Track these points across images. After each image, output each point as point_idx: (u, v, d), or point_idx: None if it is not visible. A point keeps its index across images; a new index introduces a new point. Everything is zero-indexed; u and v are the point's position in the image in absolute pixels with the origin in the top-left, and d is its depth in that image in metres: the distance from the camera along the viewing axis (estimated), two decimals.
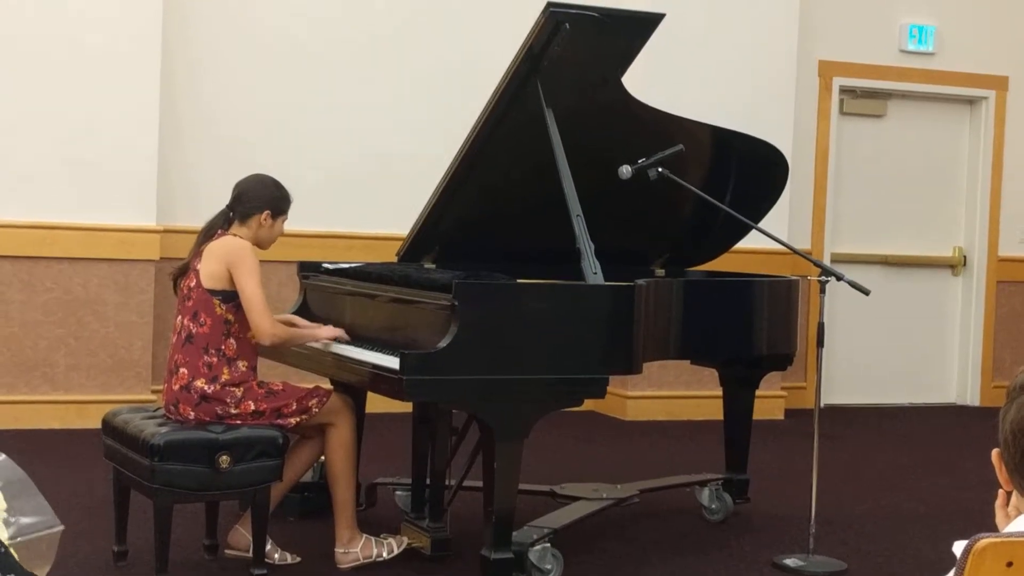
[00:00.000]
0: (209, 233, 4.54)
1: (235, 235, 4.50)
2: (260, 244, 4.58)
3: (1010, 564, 1.71)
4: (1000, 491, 1.99)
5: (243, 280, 4.36)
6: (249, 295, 4.36)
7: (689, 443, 7.27)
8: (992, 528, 1.91)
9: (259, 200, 4.54)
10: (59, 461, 6.17)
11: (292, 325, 4.74)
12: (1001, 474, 1.92)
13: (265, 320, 4.37)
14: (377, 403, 5.07)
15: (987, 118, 9.34)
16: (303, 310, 5.16)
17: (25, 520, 2.48)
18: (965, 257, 9.45)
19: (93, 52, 7.05)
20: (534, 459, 5.29)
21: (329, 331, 4.64)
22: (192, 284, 4.44)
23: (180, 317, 4.47)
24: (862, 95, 9.11)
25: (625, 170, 4.82)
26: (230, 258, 4.39)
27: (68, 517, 5.03)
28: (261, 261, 4.48)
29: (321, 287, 5.14)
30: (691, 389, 8.03)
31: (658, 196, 5.16)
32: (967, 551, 1.71)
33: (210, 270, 4.41)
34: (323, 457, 4.66)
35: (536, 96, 4.66)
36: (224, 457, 4.20)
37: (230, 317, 4.41)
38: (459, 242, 5.18)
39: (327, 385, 4.79)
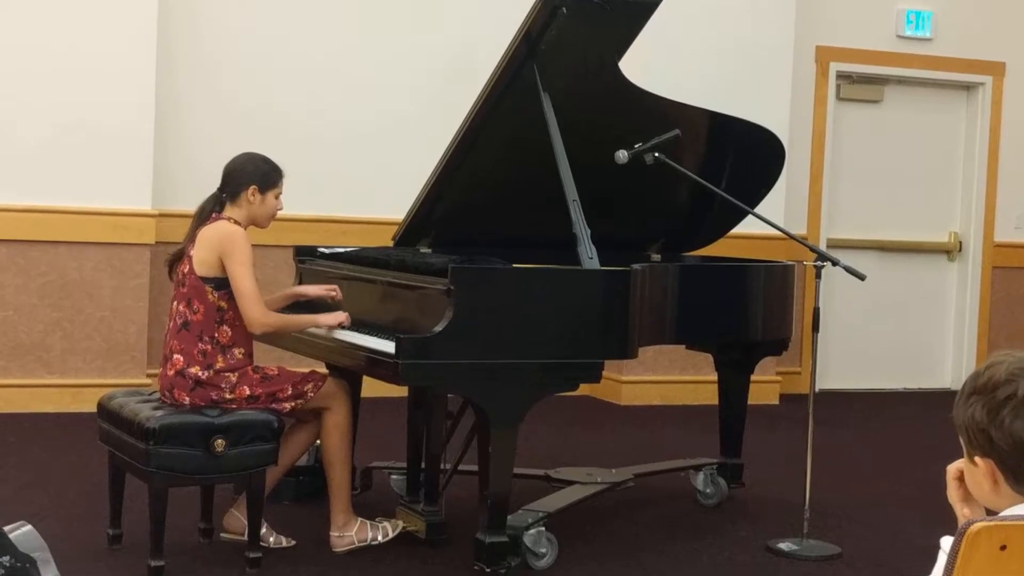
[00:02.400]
0: (202, 217, 4.51)
1: (229, 217, 4.47)
2: (257, 222, 4.55)
3: (1003, 547, 1.72)
4: (954, 489, 1.98)
5: (234, 269, 4.34)
6: (240, 284, 4.33)
7: (684, 428, 7.27)
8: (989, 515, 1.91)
9: (245, 176, 4.50)
10: (54, 445, 6.17)
11: (296, 295, 4.73)
12: (989, 480, 1.88)
13: (256, 309, 4.34)
14: (373, 387, 5.07)
15: (984, 104, 9.33)
16: None
17: None
18: (961, 243, 9.45)
19: (88, 38, 7.03)
20: (529, 443, 5.29)
21: (331, 317, 4.58)
22: (186, 270, 4.43)
23: (175, 303, 4.46)
24: (859, 81, 9.10)
25: (622, 155, 4.82)
26: (222, 246, 4.36)
27: (63, 501, 5.06)
28: (257, 245, 4.46)
29: (317, 271, 5.14)
30: (686, 374, 8.03)
31: (654, 181, 5.15)
32: (961, 534, 1.71)
33: (202, 257, 4.39)
34: (319, 441, 4.66)
35: (533, 80, 4.65)
36: (219, 441, 4.20)
37: (223, 304, 4.39)
38: (455, 227, 5.17)
39: (323, 369, 4.79)
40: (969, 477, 1.92)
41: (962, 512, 1.96)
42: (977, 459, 1.87)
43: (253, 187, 4.49)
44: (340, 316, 4.56)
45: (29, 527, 2.56)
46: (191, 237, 4.47)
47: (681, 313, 4.88)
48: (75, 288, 7.09)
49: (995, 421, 1.83)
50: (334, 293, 4.70)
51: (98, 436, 4.58)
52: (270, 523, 4.55)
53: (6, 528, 2.50)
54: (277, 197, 4.57)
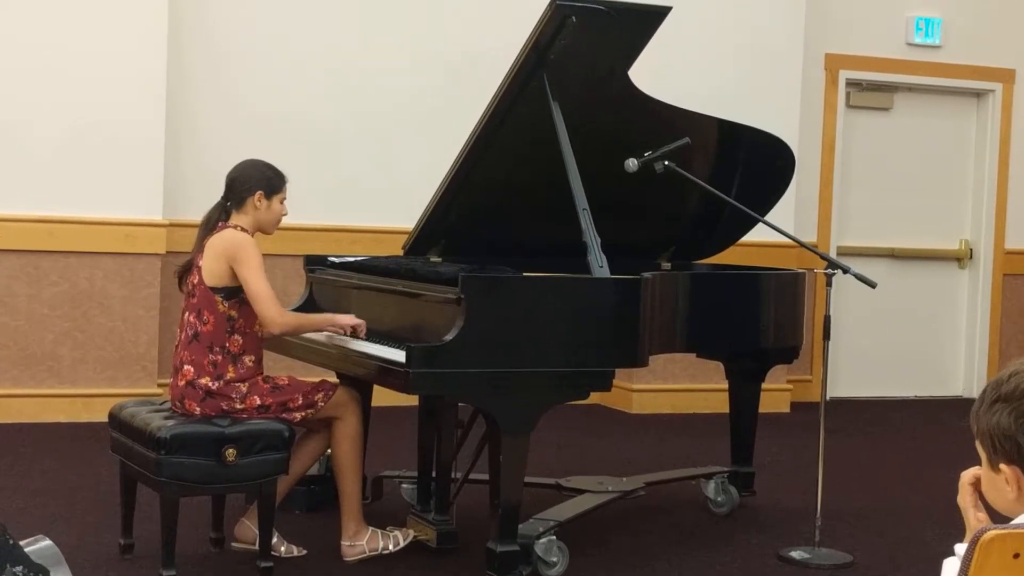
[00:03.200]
0: (209, 226, 4.51)
1: (236, 225, 4.47)
2: (263, 228, 4.54)
3: (1017, 556, 1.72)
4: (967, 494, 1.99)
5: (246, 274, 4.33)
6: (254, 288, 4.33)
7: (695, 436, 7.26)
8: (994, 520, 1.91)
9: (250, 182, 4.49)
10: (65, 455, 6.18)
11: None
12: (1014, 487, 1.88)
13: (272, 309, 4.33)
14: (383, 396, 5.08)
15: (994, 111, 9.32)
16: (309, 304, 5.17)
17: None
18: (971, 250, 9.43)
19: (98, 50, 7.05)
20: (540, 452, 5.29)
21: (348, 318, 4.58)
22: (195, 281, 4.43)
23: (186, 314, 4.46)
24: (868, 88, 9.10)
25: (631, 163, 4.82)
26: (230, 254, 4.36)
27: (74, 510, 5.07)
28: (267, 254, 4.46)
29: (327, 281, 5.14)
30: (697, 382, 8.03)
31: (664, 189, 5.15)
32: (974, 542, 1.71)
33: (210, 267, 4.39)
34: (329, 450, 4.66)
35: (542, 89, 4.65)
36: (230, 450, 4.20)
37: (233, 314, 4.39)
38: (465, 235, 5.18)
39: (333, 379, 4.79)
40: (989, 484, 1.93)
41: (976, 516, 1.97)
42: (1003, 466, 1.87)
43: (259, 192, 4.49)
44: (356, 319, 4.56)
45: (48, 541, 2.56)
46: (199, 247, 4.47)
47: (692, 321, 4.88)
48: (86, 298, 7.10)
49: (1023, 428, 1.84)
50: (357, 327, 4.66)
51: (109, 446, 4.59)
52: (281, 532, 4.55)
53: (24, 541, 2.50)
54: (282, 202, 4.56)
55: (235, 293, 4.37)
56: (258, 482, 4.29)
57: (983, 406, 1.90)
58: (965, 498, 1.98)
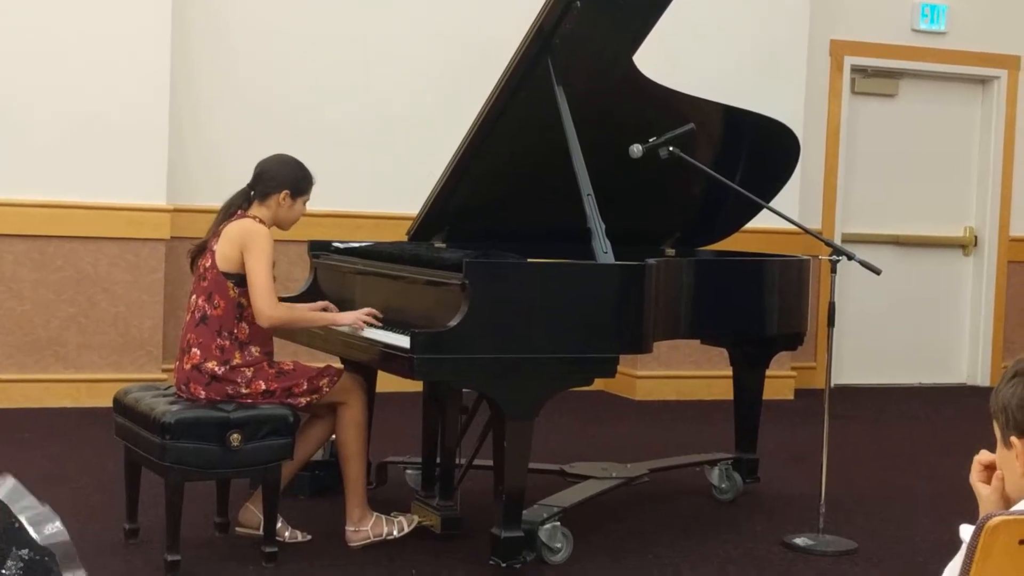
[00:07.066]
0: (228, 212, 4.51)
1: (255, 216, 4.47)
2: (280, 224, 4.56)
3: (1022, 541, 1.72)
4: (976, 471, 2.01)
5: (251, 262, 4.33)
6: (254, 276, 4.32)
7: (699, 423, 7.27)
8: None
9: (279, 179, 4.51)
10: (70, 440, 6.20)
11: (324, 307, 4.72)
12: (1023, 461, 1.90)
13: (265, 300, 4.31)
14: (388, 382, 5.07)
15: (999, 98, 9.31)
16: (313, 289, 5.17)
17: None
18: (976, 237, 9.42)
19: (102, 34, 7.04)
20: (544, 438, 5.29)
21: (350, 317, 4.53)
22: (208, 264, 4.43)
23: (195, 296, 4.46)
24: (874, 74, 9.08)
25: (636, 149, 4.81)
26: (244, 241, 4.36)
27: (79, 495, 5.08)
28: (275, 240, 4.46)
29: (331, 266, 5.14)
30: (701, 369, 8.03)
31: (669, 175, 5.15)
32: (979, 528, 1.71)
33: (225, 253, 4.39)
34: (334, 436, 4.67)
35: (547, 75, 4.65)
36: (235, 435, 4.21)
37: (243, 301, 4.39)
38: (469, 221, 5.17)
39: (338, 364, 4.79)
40: (1002, 462, 1.96)
41: (983, 489, 1.99)
42: (1013, 439, 1.90)
43: (286, 192, 4.50)
44: (358, 314, 4.52)
45: (57, 521, 2.55)
46: (215, 232, 4.47)
47: (696, 308, 4.88)
48: (90, 283, 7.11)
49: None
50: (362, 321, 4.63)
51: (114, 431, 4.59)
52: (285, 517, 4.56)
53: (25, 519, 2.50)
54: (304, 203, 4.59)
55: (246, 281, 4.37)
56: (263, 467, 4.29)
57: (1002, 383, 1.95)
58: (974, 475, 2.01)
